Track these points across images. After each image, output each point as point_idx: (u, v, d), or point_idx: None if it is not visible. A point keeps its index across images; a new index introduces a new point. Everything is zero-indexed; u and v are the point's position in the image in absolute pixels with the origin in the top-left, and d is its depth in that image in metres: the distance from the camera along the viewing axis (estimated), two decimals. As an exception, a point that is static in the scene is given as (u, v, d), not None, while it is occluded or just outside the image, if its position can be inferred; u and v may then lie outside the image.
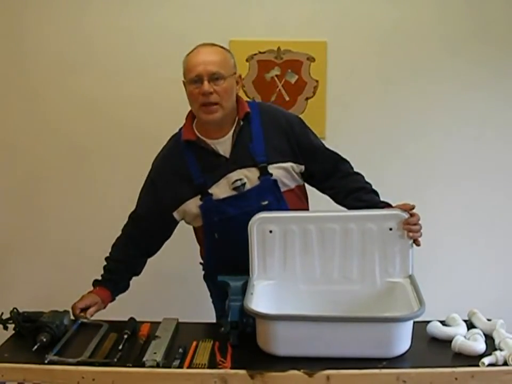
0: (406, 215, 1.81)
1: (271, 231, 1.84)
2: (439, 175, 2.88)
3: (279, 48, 2.78)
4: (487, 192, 2.88)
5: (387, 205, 1.93)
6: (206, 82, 1.85)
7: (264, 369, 1.56)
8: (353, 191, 1.99)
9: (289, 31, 2.77)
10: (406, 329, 1.61)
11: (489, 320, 1.80)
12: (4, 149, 2.88)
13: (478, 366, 1.56)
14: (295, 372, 1.55)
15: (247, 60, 2.79)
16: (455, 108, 2.84)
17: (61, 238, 2.89)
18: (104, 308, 2.00)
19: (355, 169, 2.07)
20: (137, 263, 2.13)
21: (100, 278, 2.05)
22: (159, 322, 1.87)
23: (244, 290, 1.78)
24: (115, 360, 1.64)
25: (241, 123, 1.95)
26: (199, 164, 1.95)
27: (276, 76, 2.81)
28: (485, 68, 2.80)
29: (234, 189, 1.93)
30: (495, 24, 2.78)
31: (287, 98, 2.82)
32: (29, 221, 2.92)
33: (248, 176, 1.94)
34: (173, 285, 2.87)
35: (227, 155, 1.95)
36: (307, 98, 2.83)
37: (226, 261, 1.94)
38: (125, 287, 2.10)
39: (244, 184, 1.93)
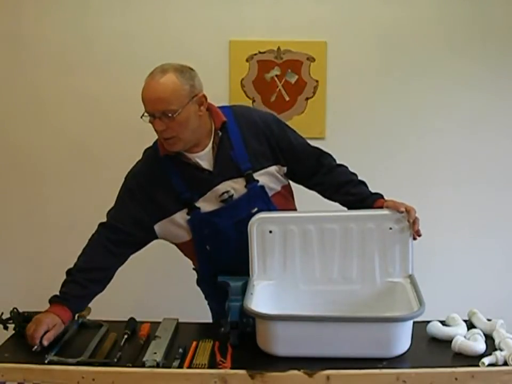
0: (404, 214, 1.81)
1: (271, 231, 1.84)
2: (440, 174, 2.88)
3: (279, 48, 2.78)
4: (487, 191, 2.87)
5: (379, 197, 1.92)
6: (157, 120, 1.79)
7: (264, 369, 1.56)
8: (341, 186, 1.97)
9: (289, 31, 2.77)
10: (406, 329, 1.61)
11: (489, 320, 1.80)
12: (3, 146, 2.87)
13: (478, 366, 1.56)
14: (295, 372, 1.55)
15: (247, 60, 2.79)
16: (456, 108, 2.83)
17: (61, 238, 2.89)
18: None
19: (352, 170, 2.04)
20: (109, 275, 1.93)
21: (58, 293, 1.82)
22: (159, 322, 1.87)
23: (243, 290, 1.78)
24: (115, 360, 1.64)
25: (219, 133, 1.90)
26: (183, 178, 1.90)
27: (276, 76, 2.81)
28: (486, 67, 2.79)
29: (222, 201, 1.89)
30: (495, 23, 2.77)
31: (287, 98, 2.82)
32: (29, 219, 2.92)
33: (235, 188, 1.90)
34: (173, 285, 2.87)
35: (210, 168, 1.90)
36: (307, 98, 2.82)
37: (221, 270, 1.92)
38: (85, 306, 1.90)
39: (231, 196, 1.89)
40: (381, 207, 1.87)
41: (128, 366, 1.61)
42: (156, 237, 1.98)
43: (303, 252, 1.84)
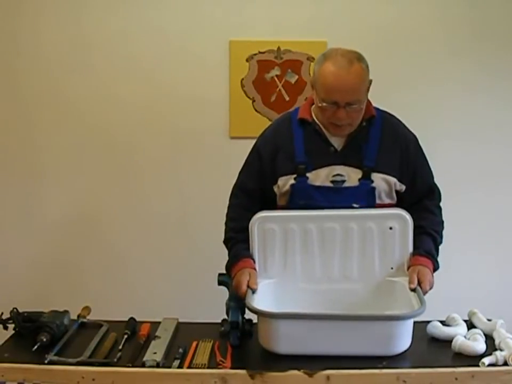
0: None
1: (272, 230, 1.83)
2: (439, 176, 2.85)
3: (279, 48, 2.78)
4: (487, 192, 2.87)
5: (421, 255, 1.85)
6: (342, 110, 1.80)
7: (264, 369, 1.56)
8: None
9: (289, 31, 2.77)
10: (407, 327, 1.61)
11: (489, 320, 1.80)
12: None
13: (478, 366, 1.57)
14: (295, 371, 1.55)
15: (247, 60, 2.79)
16: (455, 109, 2.83)
17: (59, 238, 2.89)
18: None
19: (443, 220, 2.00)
20: None
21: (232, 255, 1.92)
22: (159, 322, 1.87)
23: (244, 289, 1.78)
24: (115, 360, 1.64)
25: (363, 124, 1.91)
26: (306, 145, 1.91)
27: (276, 75, 2.81)
28: (485, 68, 2.79)
29: (333, 182, 1.89)
30: (495, 24, 2.77)
31: (287, 98, 2.82)
32: (29, 219, 2.92)
33: (350, 176, 1.89)
34: (173, 285, 2.87)
35: (338, 148, 1.91)
36: (307, 98, 2.81)
37: None
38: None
39: (343, 181, 1.89)
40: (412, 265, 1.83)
41: (128, 366, 1.61)
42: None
43: (304, 251, 1.84)
